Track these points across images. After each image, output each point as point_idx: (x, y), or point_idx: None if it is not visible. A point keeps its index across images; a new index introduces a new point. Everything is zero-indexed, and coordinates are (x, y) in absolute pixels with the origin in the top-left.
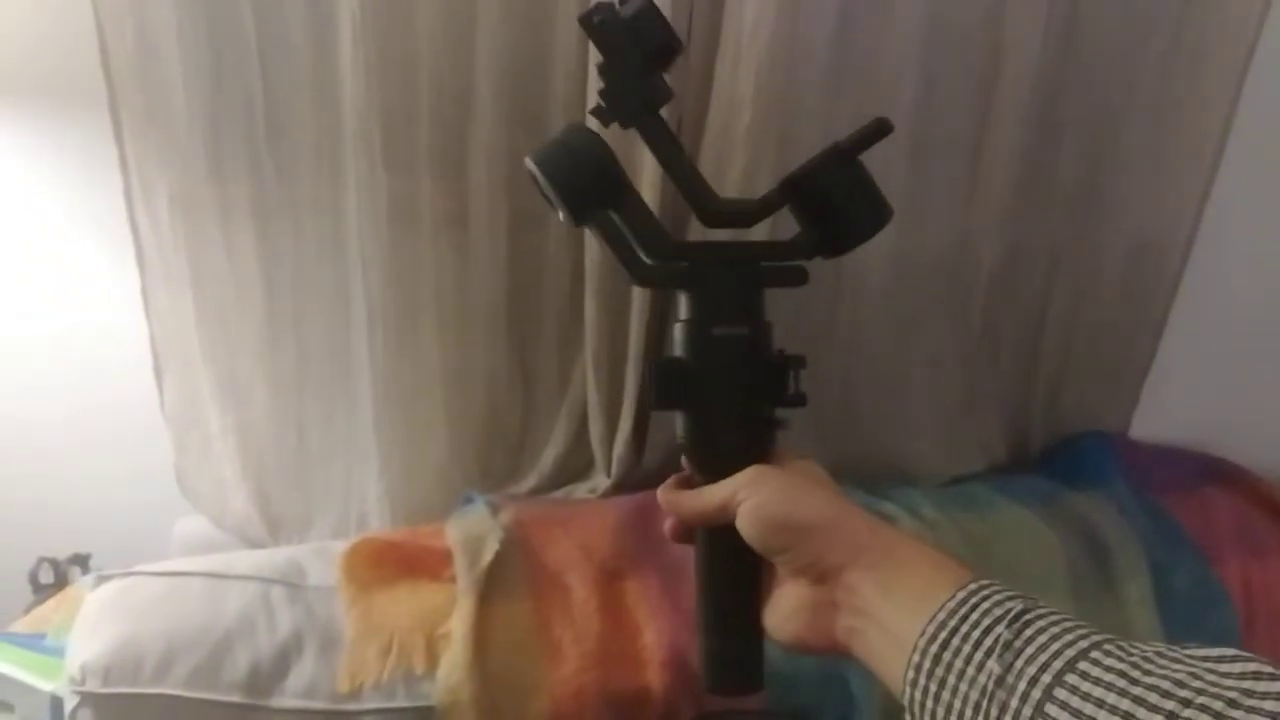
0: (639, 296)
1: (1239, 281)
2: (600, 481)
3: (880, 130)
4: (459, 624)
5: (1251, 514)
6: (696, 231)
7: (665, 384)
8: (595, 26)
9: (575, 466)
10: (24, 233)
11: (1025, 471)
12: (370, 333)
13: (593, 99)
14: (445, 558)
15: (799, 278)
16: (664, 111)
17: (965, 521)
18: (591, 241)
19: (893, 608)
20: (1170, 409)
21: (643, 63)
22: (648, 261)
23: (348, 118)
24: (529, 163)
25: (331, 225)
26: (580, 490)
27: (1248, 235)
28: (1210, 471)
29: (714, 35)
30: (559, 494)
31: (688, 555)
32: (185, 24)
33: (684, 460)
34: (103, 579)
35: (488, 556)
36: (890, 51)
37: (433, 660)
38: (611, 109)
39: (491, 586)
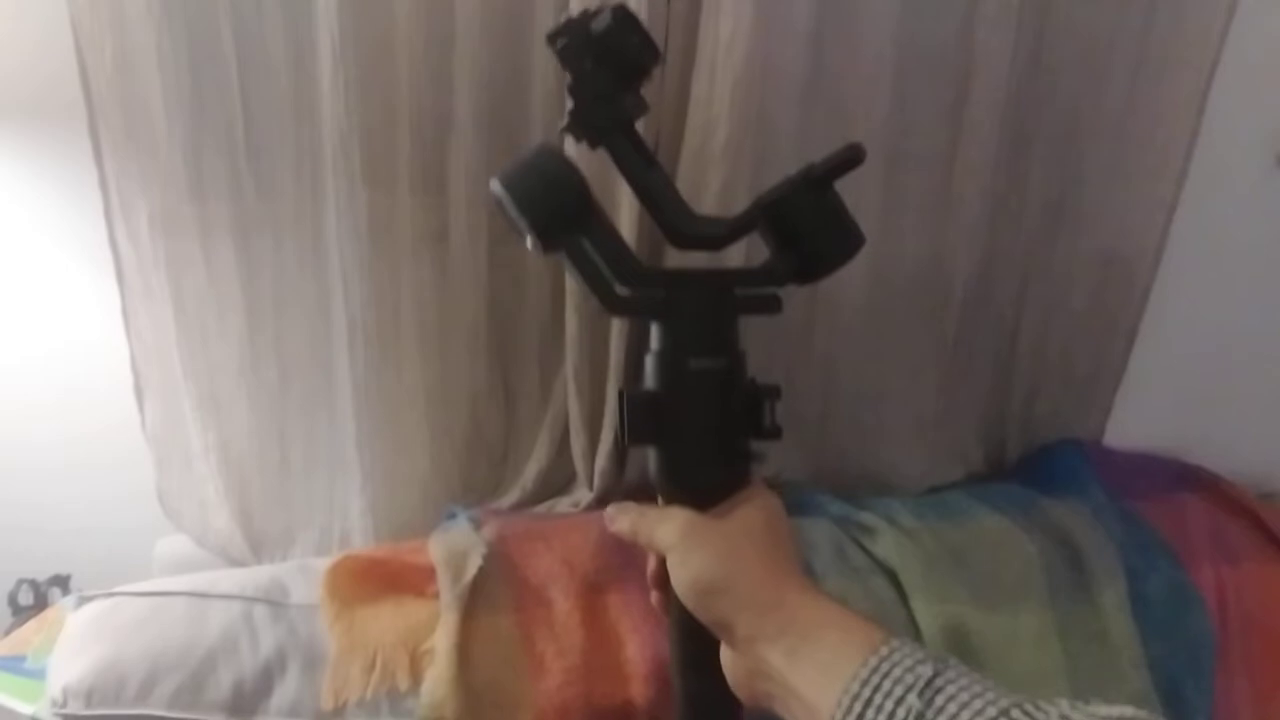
0: None
1: (1207, 289)
2: (583, 495)
3: (853, 159)
4: (443, 640)
5: (1225, 520)
6: (675, 258)
7: (638, 420)
8: (559, 48)
9: (557, 480)
10: (4, 253)
11: (1002, 480)
12: (351, 348)
13: None
14: (428, 574)
15: (774, 305)
16: (641, 126)
17: (943, 530)
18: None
19: (802, 679)
20: (1143, 416)
21: (612, 81)
22: (620, 290)
23: (328, 135)
24: (494, 185)
25: (312, 241)
26: (563, 504)
27: (1214, 244)
28: (1184, 478)
29: (690, 51)
30: (541, 508)
31: None
32: (165, 45)
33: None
34: (84, 600)
35: (471, 572)
36: (862, 69)
37: (417, 676)
38: (579, 127)
39: (475, 602)
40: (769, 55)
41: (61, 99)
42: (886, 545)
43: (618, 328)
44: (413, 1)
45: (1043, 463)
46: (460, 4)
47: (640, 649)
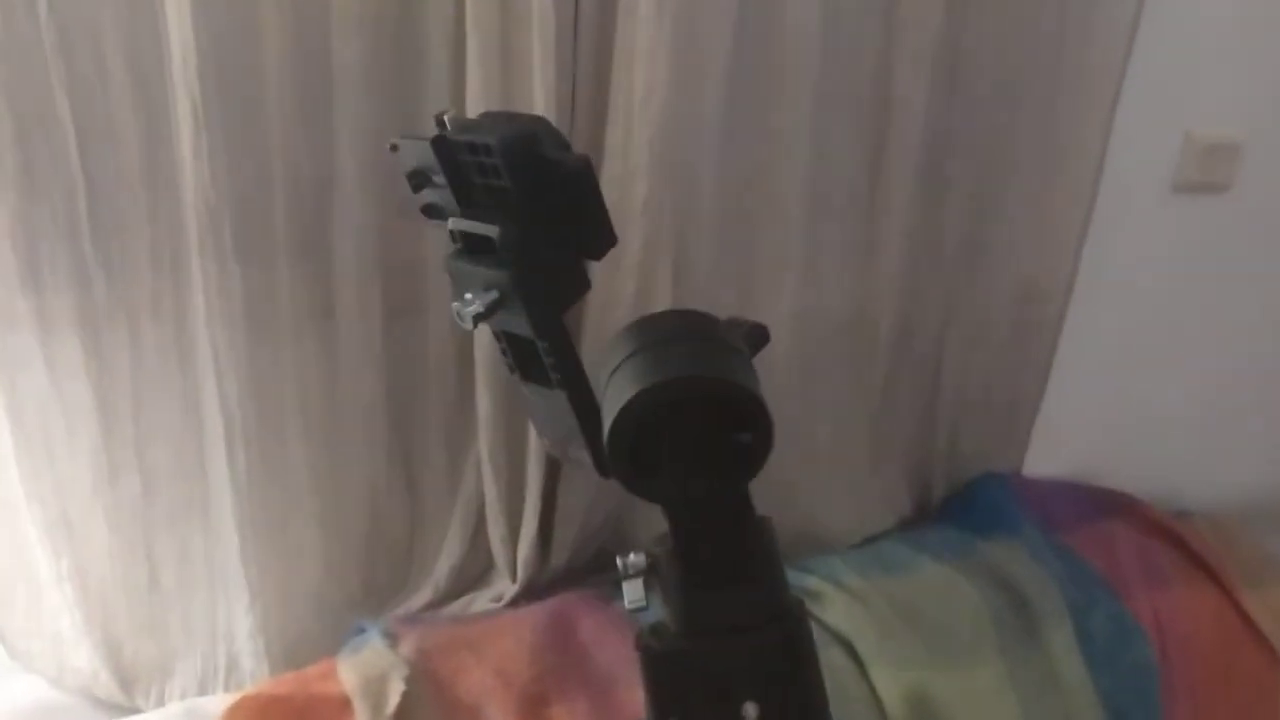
0: None
1: (1110, 315)
2: (505, 587)
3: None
4: None
5: (1149, 544)
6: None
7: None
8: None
9: (473, 573)
10: None
11: (932, 522)
12: (229, 449)
13: None
14: (342, 706)
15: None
16: None
17: (889, 586)
18: (481, 329)
19: None
20: (1058, 446)
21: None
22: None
23: (191, 208)
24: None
25: (175, 331)
26: (482, 600)
27: (1117, 270)
28: (1104, 503)
29: (601, 100)
30: (457, 606)
31: (614, 665)
32: None
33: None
34: None
35: (393, 700)
36: (783, 117)
37: None
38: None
39: None
40: (688, 103)
41: None
42: (837, 612)
43: None
44: (282, 51)
45: (970, 501)
46: (338, 51)
47: None
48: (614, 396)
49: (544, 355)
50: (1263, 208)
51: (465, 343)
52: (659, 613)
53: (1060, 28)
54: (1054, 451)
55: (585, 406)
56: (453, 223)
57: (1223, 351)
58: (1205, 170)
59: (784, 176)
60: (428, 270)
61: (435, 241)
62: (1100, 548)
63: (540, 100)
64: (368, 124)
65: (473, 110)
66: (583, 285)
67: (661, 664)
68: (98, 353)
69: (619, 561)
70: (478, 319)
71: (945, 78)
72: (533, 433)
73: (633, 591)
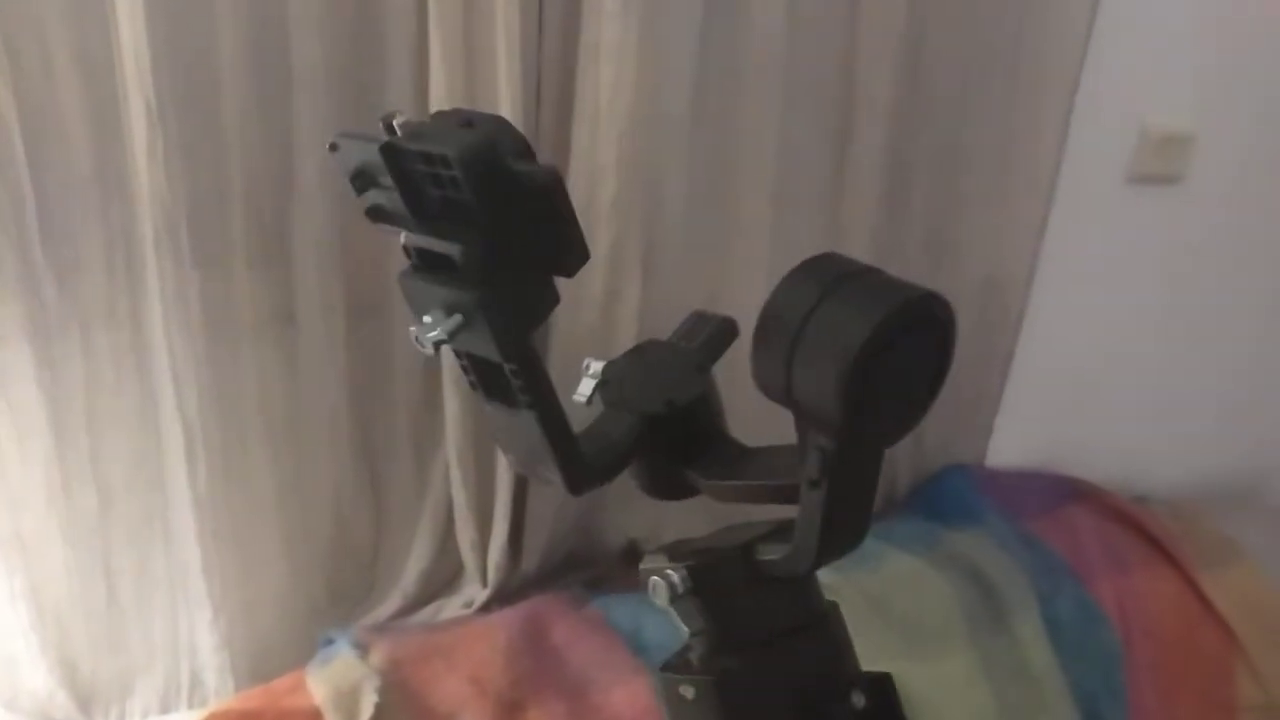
0: None
1: (1068, 304)
2: (475, 593)
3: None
4: None
5: (1110, 530)
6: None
7: None
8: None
9: (442, 579)
10: None
11: (898, 513)
12: (189, 459)
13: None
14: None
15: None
16: None
17: (860, 579)
18: None
19: None
20: (1019, 435)
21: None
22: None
23: (147, 211)
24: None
25: (131, 338)
26: (452, 606)
27: (1074, 260)
28: (1065, 491)
29: (566, 99)
30: (427, 612)
31: (589, 668)
32: None
33: None
34: None
35: (366, 711)
36: (749, 112)
37: None
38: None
39: None
40: (654, 99)
41: None
42: None
43: None
44: (238, 47)
45: (935, 493)
46: (297, 47)
47: None
48: (835, 333)
49: (511, 377)
50: (1214, 198)
51: None
52: (672, 633)
53: (1019, 25)
54: (1015, 441)
55: (556, 426)
56: (406, 238)
57: (1177, 340)
58: (1159, 162)
59: (751, 174)
60: (391, 270)
61: (395, 243)
62: (1063, 535)
63: (506, 98)
64: (328, 123)
65: (435, 109)
66: (551, 301)
67: (736, 686)
68: (49, 362)
69: (658, 582)
70: (439, 345)
71: (908, 75)
72: None
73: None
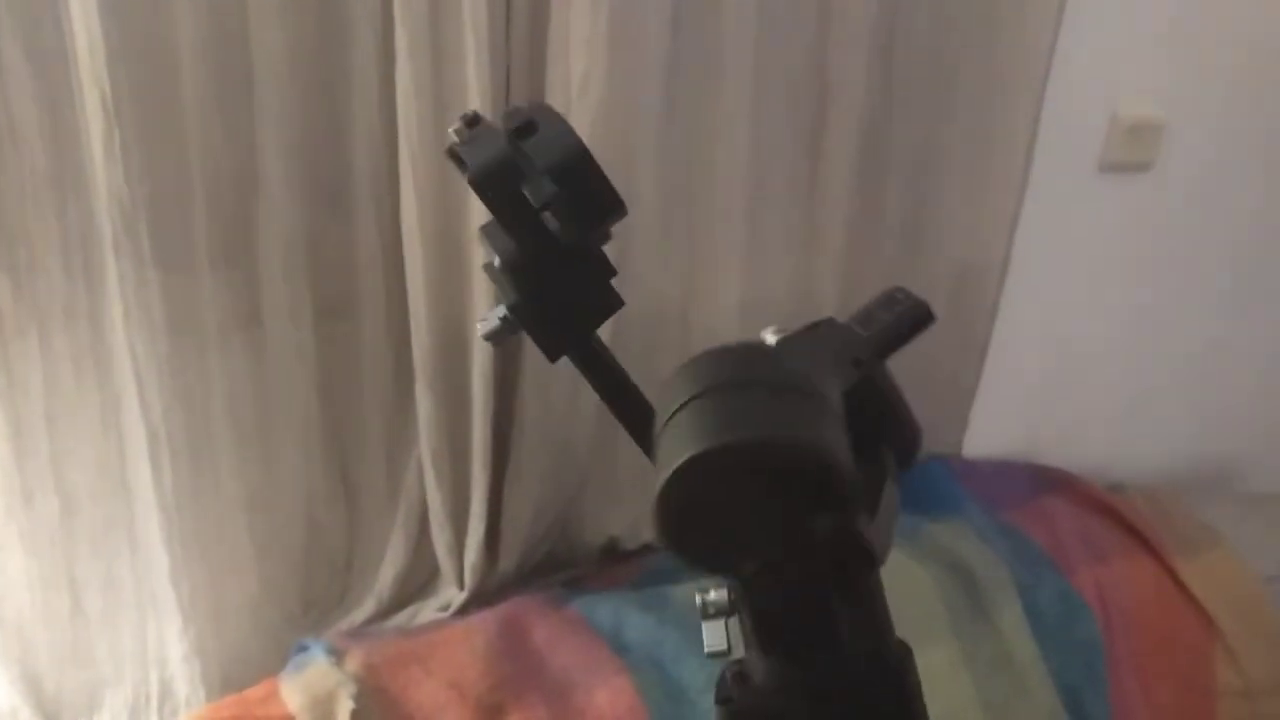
0: (480, 384)
1: (1041, 293)
2: (451, 595)
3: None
4: None
5: (1088, 519)
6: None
7: None
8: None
9: (417, 582)
10: None
11: None
12: (154, 465)
13: (407, 169)
14: None
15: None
16: None
17: None
18: (419, 327)
19: None
20: (995, 425)
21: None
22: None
23: (105, 211)
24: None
25: (91, 341)
26: (429, 609)
27: (1047, 249)
28: (1043, 481)
29: (537, 94)
30: (403, 616)
31: (570, 670)
32: None
33: None
34: None
35: (343, 719)
36: (722, 104)
37: None
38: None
39: None
40: (625, 91)
41: None
42: None
43: (480, 404)
44: (196, 38)
45: (913, 484)
46: (256, 36)
47: None
48: (666, 452)
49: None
50: (1184, 185)
51: (403, 343)
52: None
53: (990, 12)
54: (991, 431)
55: (632, 419)
56: (479, 232)
57: (1150, 327)
58: (1130, 149)
59: (724, 165)
60: (359, 270)
61: (364, 243)
62: (1042, 525)
63: (474, 92)
64: (292, 116)
65: (403, 104)
66: (610, 304)
67: None
68: (6, 365)
69: (698, 599)
70: (486, 338)
71: (880, 64)
72: (477, 434)
73: (713, 635)
